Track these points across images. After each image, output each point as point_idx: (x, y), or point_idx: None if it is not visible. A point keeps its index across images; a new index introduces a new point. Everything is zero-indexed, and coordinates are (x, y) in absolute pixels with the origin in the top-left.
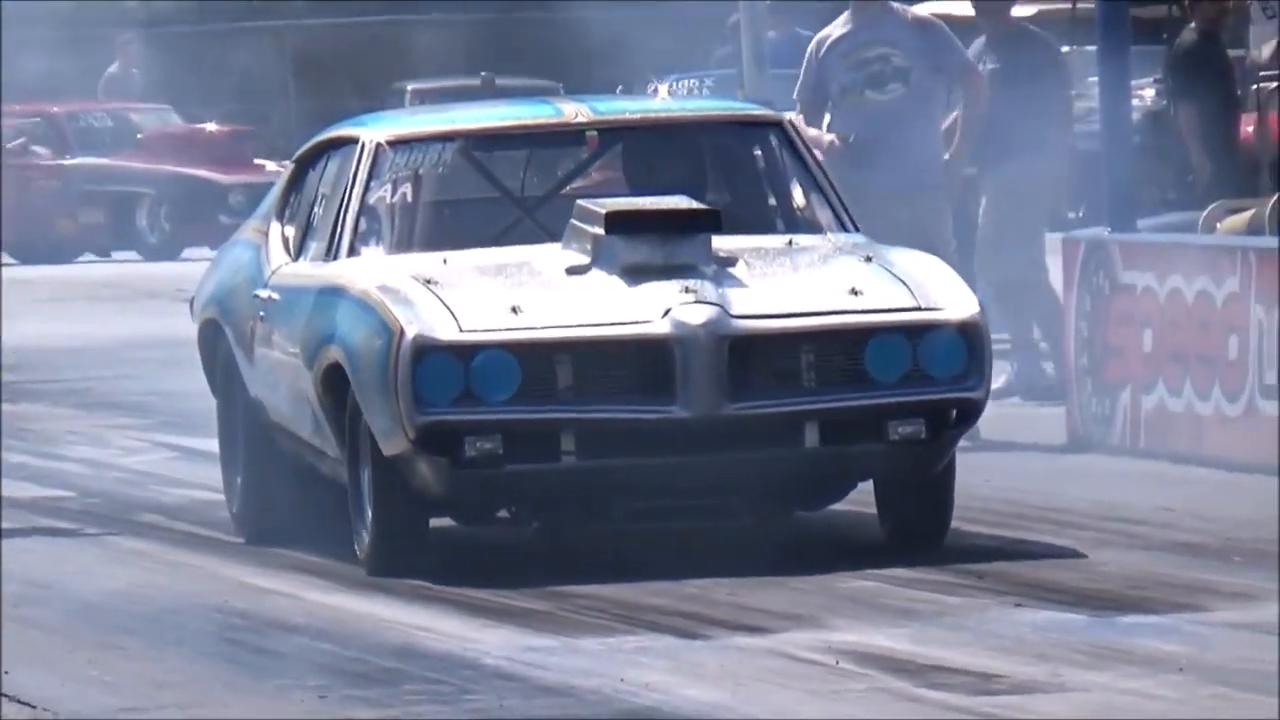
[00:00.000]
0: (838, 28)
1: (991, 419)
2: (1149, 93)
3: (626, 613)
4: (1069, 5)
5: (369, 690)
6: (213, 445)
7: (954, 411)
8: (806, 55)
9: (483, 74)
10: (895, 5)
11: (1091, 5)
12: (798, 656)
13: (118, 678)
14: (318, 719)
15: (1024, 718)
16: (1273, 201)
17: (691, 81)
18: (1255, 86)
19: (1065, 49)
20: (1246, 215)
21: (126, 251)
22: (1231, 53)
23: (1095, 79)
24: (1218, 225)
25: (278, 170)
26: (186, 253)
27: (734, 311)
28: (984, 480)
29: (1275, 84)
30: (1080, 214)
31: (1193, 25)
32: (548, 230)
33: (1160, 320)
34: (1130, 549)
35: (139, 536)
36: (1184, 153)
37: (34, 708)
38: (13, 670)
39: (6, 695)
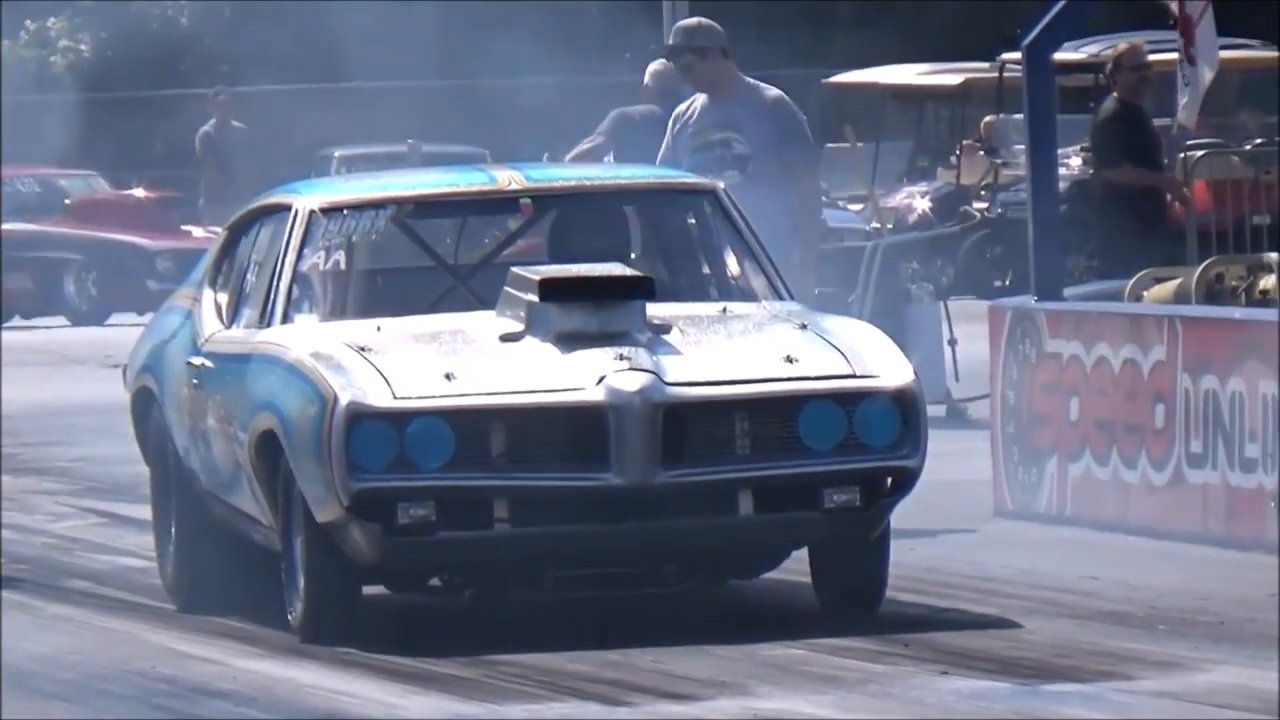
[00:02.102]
0: (694, 105)
1: (918, 485)
2: (1075, 161)
3: (551, 680)
4: (995, 74)
5: None
6: (141, 511)
7: (889, 480)
8: (668, 129)
9: (409, 140)
10: (753, 84)
11: (1018, 75)
12: None
13: None
14: None
15: None
16: (1199, 270)
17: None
18: (1181, 155)
19: (990, 118)
20: (1173, 284)
21: (54, 317)
22: (1158, 121)
23: (1021, 147)
24: (1144, 294)
25: (206, 236)
26: (114, 318)
27: (668, 379)
28: (909, 548)
29: (1200, 153)
30: (1007, 282)
31: (1115, 94)
32: (481, 298)
33: (1086, 389)
34: (1056, 617)
35: (67, 602)
36: (1110, 221)
37: None
38: None
39: None
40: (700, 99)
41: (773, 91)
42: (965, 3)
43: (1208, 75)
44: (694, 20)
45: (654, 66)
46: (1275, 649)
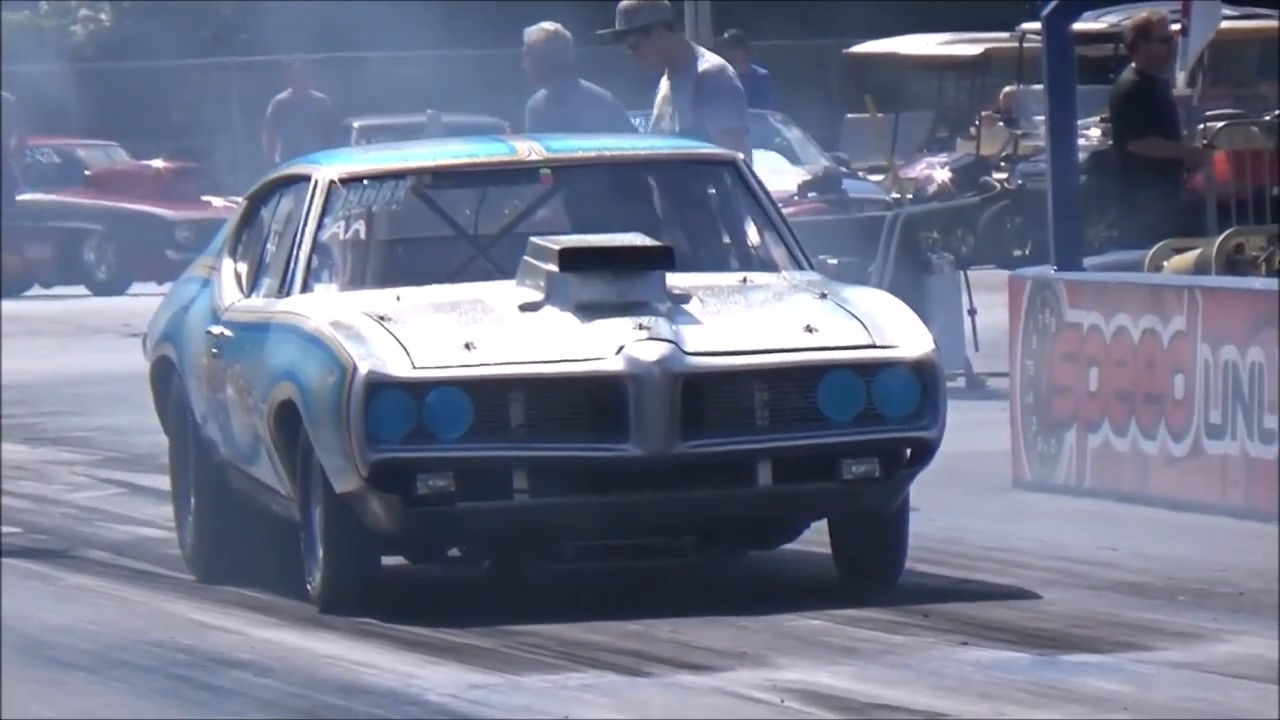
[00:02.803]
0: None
1: (937, 456)
2: (1095, 132)
3: (570, 650)
4: (1015, 45)
5: None
6: (159, 481)
7: (908, 451)
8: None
9: (429, 111)
10: (698, 55)
11: (1038, 45)
12: (742, 694)
13: (63, 712)
14: None
15: None
16: (1218, 241)
17: (638, 119)
18: (1201, 126)
19: (1010, 88)
20: (1193, 255)
21: (74, 286)
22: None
23: (1041, 118)
24: (1164, 264)
25: (225, 206)
26: (133, 288)
27: (688, 349)
28: (928, 519)
29: (1221, 124)
30: (1026, 252)
31: (1133, 65)
32: (501, 267)
33: (1106, 359)
34: (1075, 588)
35: (85, 572)
36: (1129, 192)
37: None
38: None
39: None
40: (665, 75)
41: (706, 62)
42: None
43: (1201, 44)
44: (620, 7)
45: (530, 40)
46: None
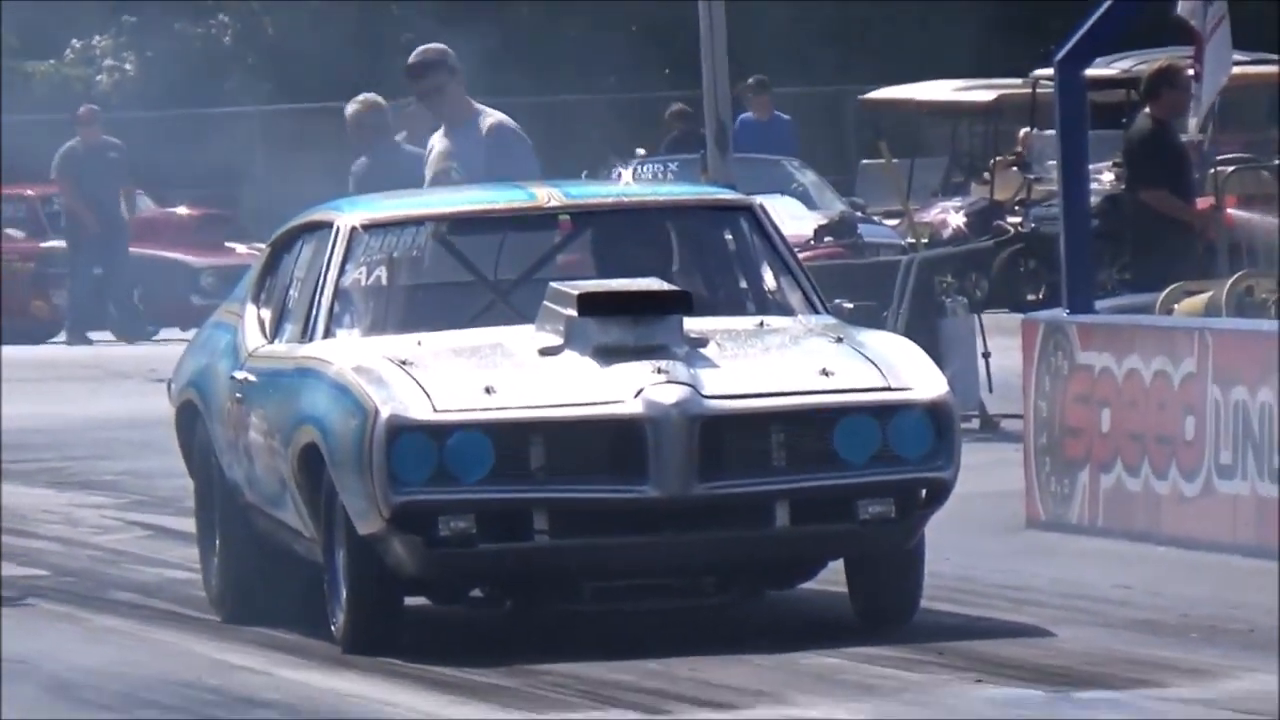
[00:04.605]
0: (434, 137)
1: (951, 496)
2: (1107, 177)
3: (592, 689)
4: (1028, 91)
5: None
6: (185, 524)
7: (923, 491)
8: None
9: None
10: (479, 110)
11: (1050, 90)
12: None
13: None
14: None
15: None
16: (1229, 284)
17: (655, 166)
18: (1212, 170)
19: (1024, 131)
20: (1204, 298)
21: (99, 332)
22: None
23: (1054, 163)
24: (1175, 307)
25: (248, 253)
26: (159, 334)
27: (705, 392)
28: (944, 558)
29: (1231, 168)
30: (1040, 296)
31: (1146, 111)
32: (520, 312)
33: (1118, 400)
34: (1088, 626)
35: (113, 614)
36: (1141, 235)
37: None
38: None
39: None
40: (440, 131)
41: (492, 119)
42: (999, 15)
43: (1215, 89)
44: (418, 53)
45: (349, 113)
46: None
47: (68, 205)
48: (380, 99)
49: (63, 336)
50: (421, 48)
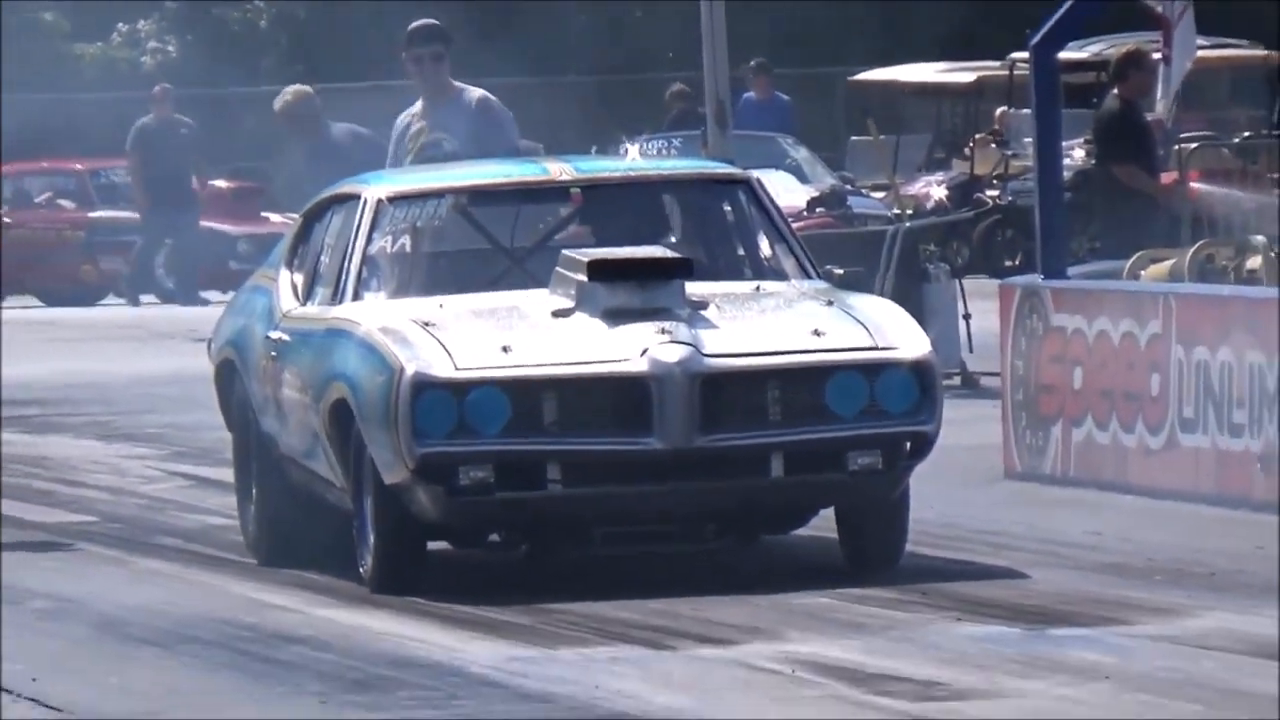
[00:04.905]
0: (415, 112)
1: (934, 449)
2: (1079, 153)
3: (600, 626)
4: (1006, 73)
5: (365, 696)
6: (224, 474)
7: (908, 444)
8: (391, 140)
9: None
10: (463, 88)
11: (1027, 73)
12: (758, 666)
13: (136, 684)
14: None
15: None
16: (1191, 251)
17: (660, 143)
18: (1176, 148)
19: (1001, 111)
20: (1168, 264)
21: (145, 295)
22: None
23: (1030, 140)
24: (1141, 273)
25: (282, 222)
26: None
27: (706, 351)
28: (927, 506)
29: (1194, 145)
30: (1016, 262)
31: (1115, 92)
32: (535, 277)
33: (1089, 360)
34: (1061, 569)
35: (157, 557)
36: (1110, 207)
37: (60, 711)
38: (40, 678)
39: (34, 700)
40: (416, 107)
41: (477, 93)
42: (979, 4)
43: (1182, 72)
44: (423, 20)
45: (278, 106)
46: (1263, 597)
47: (134, 178)
48: (309, 88)
49: (112, 299)
50: (423, 19)
